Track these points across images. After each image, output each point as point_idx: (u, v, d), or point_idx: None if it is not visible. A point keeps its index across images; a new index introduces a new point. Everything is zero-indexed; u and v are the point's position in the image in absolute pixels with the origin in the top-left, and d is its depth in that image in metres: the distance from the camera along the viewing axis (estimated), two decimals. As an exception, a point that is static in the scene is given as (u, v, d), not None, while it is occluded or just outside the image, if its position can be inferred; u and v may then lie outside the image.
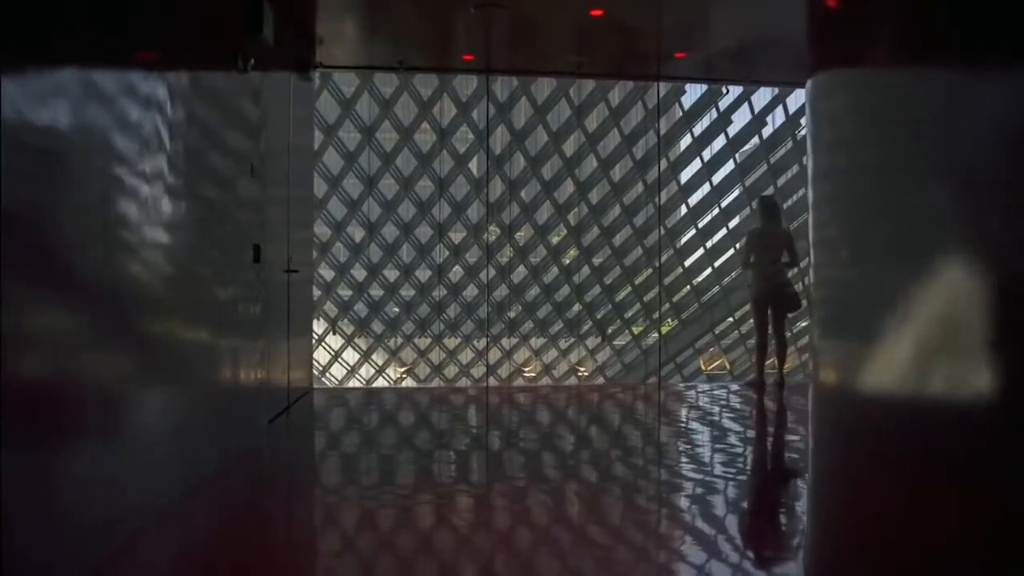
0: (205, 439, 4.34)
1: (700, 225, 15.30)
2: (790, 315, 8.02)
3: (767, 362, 8.05)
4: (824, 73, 4.94)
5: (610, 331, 16.34)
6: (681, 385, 10.97)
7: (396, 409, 7.28)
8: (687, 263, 15.66)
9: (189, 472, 3.99)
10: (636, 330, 16.48)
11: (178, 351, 3.97)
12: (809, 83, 5.06)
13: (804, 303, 7.83)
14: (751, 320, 17.53)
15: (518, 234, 16.16)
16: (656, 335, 16.44)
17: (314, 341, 17.12)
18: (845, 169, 4.54)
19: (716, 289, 15.97)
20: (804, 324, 14.39)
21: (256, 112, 5.50)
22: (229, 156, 4.85)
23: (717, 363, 16.51)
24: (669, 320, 16.25)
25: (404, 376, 17.30)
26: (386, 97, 14.77)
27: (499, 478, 4.48)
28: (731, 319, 16.11)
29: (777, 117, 14.31)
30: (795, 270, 7.97)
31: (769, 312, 7.78)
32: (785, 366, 7.83)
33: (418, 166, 15.36)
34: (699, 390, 8.86)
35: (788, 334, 8.24)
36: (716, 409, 7.34)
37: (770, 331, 7.78)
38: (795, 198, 14.64)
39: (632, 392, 9.25)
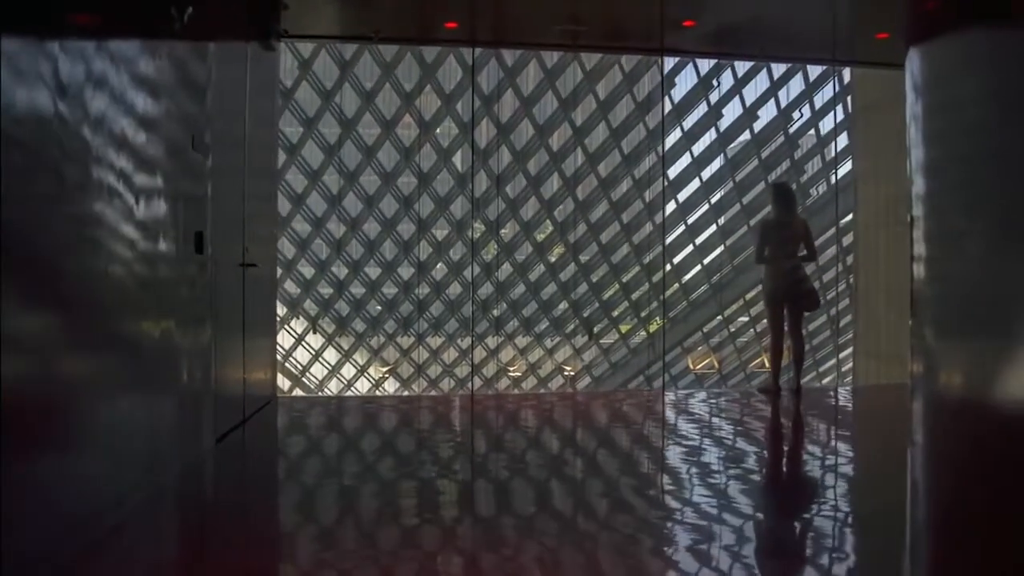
0: (117, 472, 3.23)
1: (689, 221, 14.33)
2: (807, 314, 7.02)
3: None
4: (936, 43, 3.95)
5: (597, 330, 15.35)
6: (681, 392, 9.77)
7: (370, 425, 6.16)
8: (675, 260, 14.70)
9: (95, 518, 2.89)
10: (624, 328, 15.49)
11: (83, 355, 2.90)
12: (912, 55, 4.07)
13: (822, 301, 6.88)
14: (740, 319, 16.78)
15: (503, 231, 15.17)
16: (643, 333, 15.47)
17: (293, 340, 16.23)
18: (975, 156, 3.60)
19: (705, 287, 15.02)
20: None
21: (200, 74, 4.39)
22: (157, 125, 3.73)
23: (706, 362, 15.56)
24: (657, 319, 15.27)
25: (386, 376, 16.23)
26: (367, 89, 13.74)
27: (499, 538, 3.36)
28: (720, 317, 15.17)
29: (769, 110, 13.38)
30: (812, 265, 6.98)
31: (785, 311, 6.73)
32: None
33: (400, 160, 14.31)
34: (702, 397, 7.76)
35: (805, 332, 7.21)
36: (745, 421, 6.18)
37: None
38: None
39: (630, 399, 8.13)
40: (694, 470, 4.39)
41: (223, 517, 3.60)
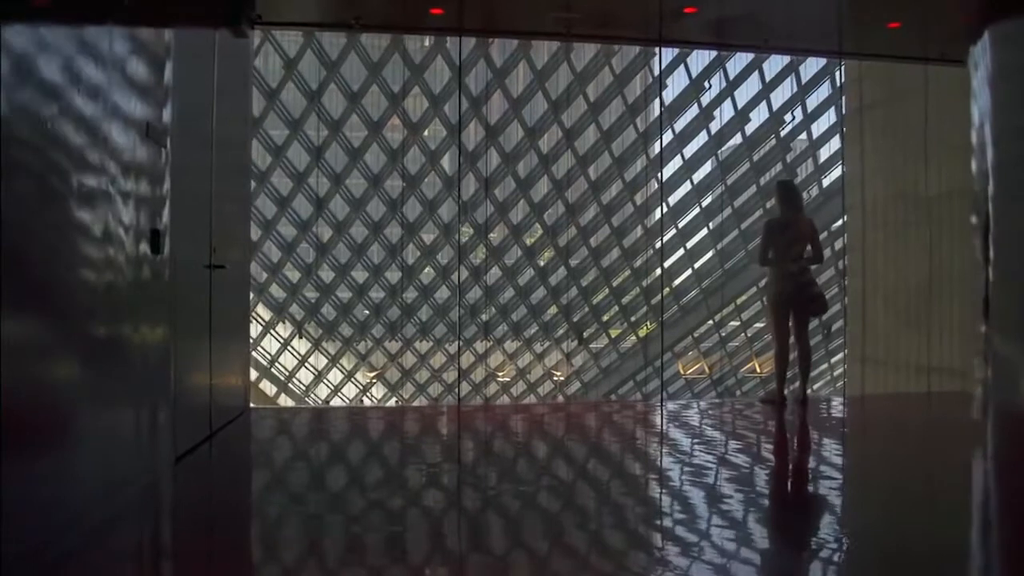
0: (46, 508, 2.69)
1: (680, 225, 13.87)
2: (814, 319, 6.52)
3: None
4: (1011, 29, 3.47)
5: (586, 335, 14.86)
6: (680, 403, 8.99)
7: (350, 442, 5.60)
8: (666, 264, 14.24)
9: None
10: (613, 333, 15.01)
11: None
12: (984, 41, 3.59)
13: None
14: (731, 323, 16.30)
15: (491, 234, 14.64)
16: (634, 338, 14.99)
17: (279, 345, 15.64)
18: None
19: (696, 292, 14.56)
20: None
21: (158, 55, 3.86)
22: (96, 108, 3.19)
23: (696, 367, 15.09)
24: (648, 323, 14.80)
25: (374, 381, 15.67)
26: (354, 90, 13.21)
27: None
28: (711, 321, 14.70)
29: (761, 112, 12.94)
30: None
31: (791, 316, 6.22)
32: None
33: (387, 162, 13.77)
34: (703, 408, 7.19)
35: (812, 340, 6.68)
36: (759, 438, 5.49)
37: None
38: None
39: (626, 411, 7.50)
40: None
41: (168, 558, 3.06)
